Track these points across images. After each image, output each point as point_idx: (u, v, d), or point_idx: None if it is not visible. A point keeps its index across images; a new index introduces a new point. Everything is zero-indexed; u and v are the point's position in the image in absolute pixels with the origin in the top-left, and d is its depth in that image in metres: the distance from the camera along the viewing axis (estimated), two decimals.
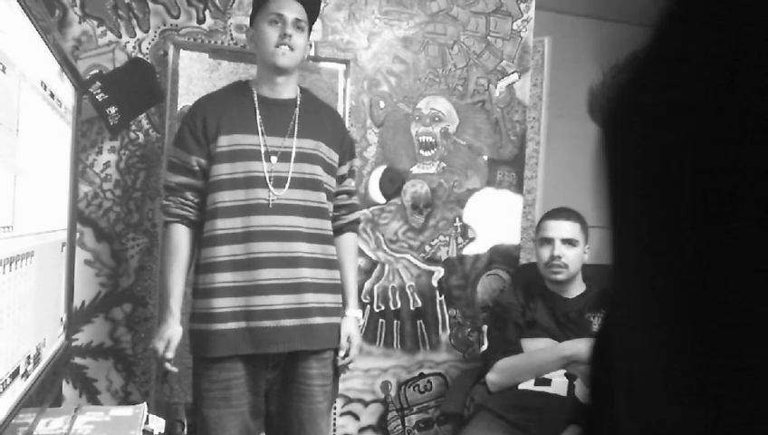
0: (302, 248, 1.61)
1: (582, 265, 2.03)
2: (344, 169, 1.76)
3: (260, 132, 1.61)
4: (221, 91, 1.75)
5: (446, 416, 2.19)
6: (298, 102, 1.68)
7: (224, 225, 1.57)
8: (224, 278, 1.56)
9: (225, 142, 1.59)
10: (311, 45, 2.15)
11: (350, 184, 1.81)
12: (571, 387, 1.85)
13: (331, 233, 1.70)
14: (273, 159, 1.60)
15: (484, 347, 2.23)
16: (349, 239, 1.78)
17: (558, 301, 2.00)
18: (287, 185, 1.60)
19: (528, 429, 1.79)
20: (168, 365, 1.57)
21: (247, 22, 2.08)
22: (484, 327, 2.32)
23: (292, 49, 1.60)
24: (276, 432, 1.68)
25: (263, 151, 1.60)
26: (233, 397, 1.57)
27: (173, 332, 1.56)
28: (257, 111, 1.63)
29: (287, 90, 1.67)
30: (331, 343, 1.66)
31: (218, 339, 1.55)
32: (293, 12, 1.61)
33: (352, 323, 1.71)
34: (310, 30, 1.69)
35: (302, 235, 1.61)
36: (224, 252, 1.57)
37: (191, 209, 1.62)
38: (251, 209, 1.57)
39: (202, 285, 1.59)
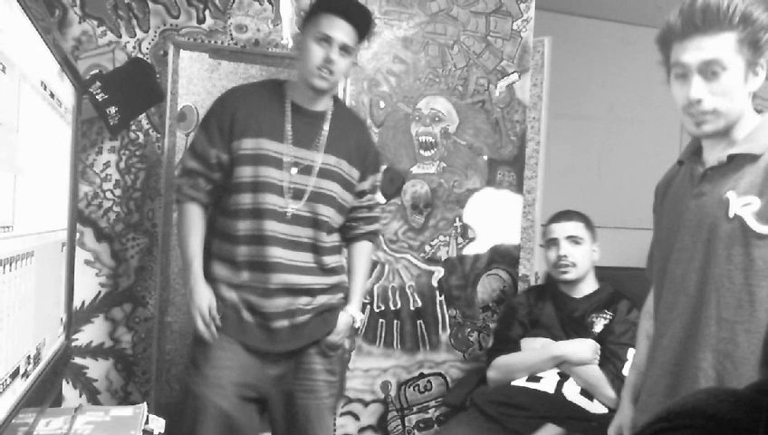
0: (306, 258, 1.63)
1: (595, 267, 2.06)
2: (365, 185, 1.75)
3: (287, 141, 1.61)
4: (255, 87, 1.74)
5: (449, 407, 2.22)
6: (329, 116, 1.66)
7: (243, 226, 1.59)
8: (241, 277, 1.60)
9: (249, 145, 1.59)
10: None
11: (371, 199, 1.79)
12: (559, 385, 1.87)
13: (333, 244, 1.69)
14: (294, 170, 1.60)
15: (491, 343, 2.27)
16: (364, 246, 1.80)
17: (566, 301, 2.03)
18: (305, 198, 1.60)
19: (504, 422, 1.83)
20: (212, 330, 1.57)
21: (247, 22, 2.08)
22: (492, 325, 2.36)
23: (332, 73, 1.57)
24: None
25: (285, 161, 1.59)
26: (223, 376, 1.57)
27: (209, 295, 1.58)
28: (288, 120, 1.62)
29: (321, 103, 1.66)
30: (319, 334, 1.66)
31: (226, 319, 1.59)
32: (342, 35, 1.55)
33: (346, 318, 1.71)
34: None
35: (308, 245, 1.63)
36: (242, 252, 1.59)
37: (202, 194, 1.64)
38: (266, 214, 1.58)
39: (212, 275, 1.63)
